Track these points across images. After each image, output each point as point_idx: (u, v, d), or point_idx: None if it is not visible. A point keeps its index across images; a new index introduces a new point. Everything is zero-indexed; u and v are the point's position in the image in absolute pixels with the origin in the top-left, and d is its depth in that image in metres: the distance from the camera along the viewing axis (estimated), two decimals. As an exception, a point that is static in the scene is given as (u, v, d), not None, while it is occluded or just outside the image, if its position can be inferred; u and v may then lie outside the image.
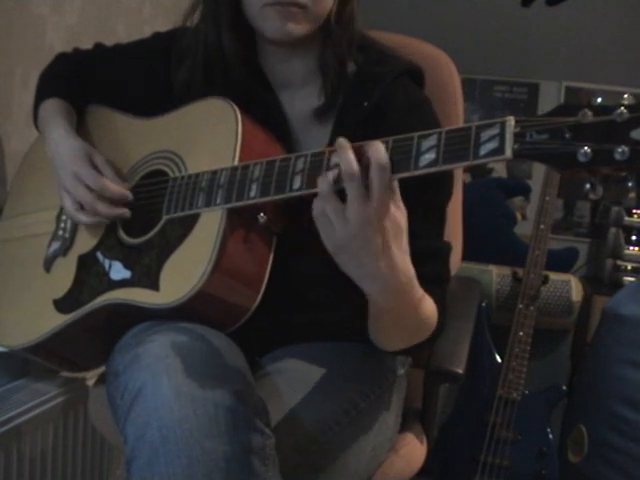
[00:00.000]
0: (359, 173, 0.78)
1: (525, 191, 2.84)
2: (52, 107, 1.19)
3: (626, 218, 2.56)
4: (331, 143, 1.05)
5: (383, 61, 1.10)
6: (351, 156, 0.79)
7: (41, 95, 1.23)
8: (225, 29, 1.08)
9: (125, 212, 1.07)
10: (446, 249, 1.07)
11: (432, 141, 0.80)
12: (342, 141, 0.81)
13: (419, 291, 0.91)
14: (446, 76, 1.38)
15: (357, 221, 0.79)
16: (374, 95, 1.06)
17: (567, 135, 0.71)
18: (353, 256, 0.82)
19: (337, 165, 0.82)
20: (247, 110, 1.03)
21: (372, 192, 0.78)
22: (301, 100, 1.11)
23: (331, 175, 0.81)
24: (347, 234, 0.80)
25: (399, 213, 0.82)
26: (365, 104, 1.06)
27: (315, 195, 0.88)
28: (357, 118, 1.06)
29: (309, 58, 1.10)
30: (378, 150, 0.79)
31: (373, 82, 1.07)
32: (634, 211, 2.56)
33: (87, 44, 1.29)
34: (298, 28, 1.02)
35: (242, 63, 1.10)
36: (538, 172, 2.79)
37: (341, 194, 0.81)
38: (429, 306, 0.97)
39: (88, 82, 1.24)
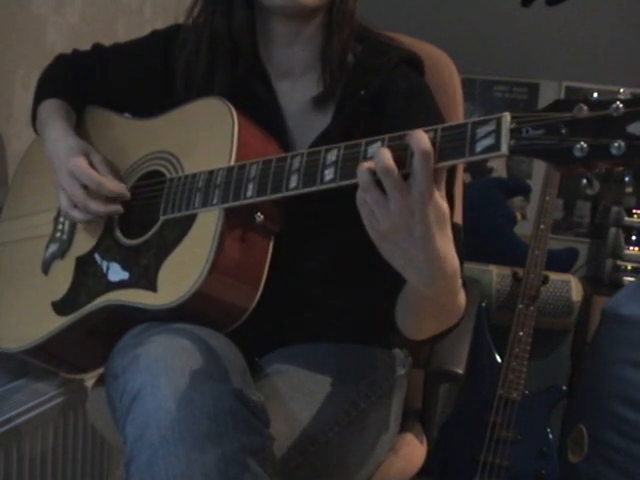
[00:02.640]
0: (394, 168, 0.76)
1: (525, 191, 2.84)
2: (51, 108, 1.19)
3: (626, 218, 2.56)
4: (329, 132, 1.05)
5: (382, 51, 1.10)
6: (385, 151, 0.77)
7: (40, 96, 1.23)
8: (238, 7, 1.06)
9: (117, 209, 1.06)
10: (456, 231, 1.06)
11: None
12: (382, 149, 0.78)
13: (460, 280, 0.89)
14: (446, 76, 1.38)
15: (399, 212, 0.76)
16: (373, 84, 1.06)
17: (563, 130, 0.71)
18: (397, 246, 0.79)
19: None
20: (243, 104, 1.03)
21: (415, 181, 0.75)
22: (300, 90, 1.11)
23: (367, 165, 0.78)
24: (390, 225, 0.78)
25: (443, 201, 0.79)
26: (362, 92, 1.06)
27: (312, 194, 0.88)
28: (356, 107, 1.06)
29: (311, 46, 1.09)
30: (421, 139, 0.75)
31: (372, 71, 1.07)
32: (634, 211, 2.56)
33: (88, 45, 1.29)
34: None
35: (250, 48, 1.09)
36: (538, 172, 2.79)
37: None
38: (464, 295, 0.95)
39: (87, 83, 1.24)
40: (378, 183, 0.77)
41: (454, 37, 2.14)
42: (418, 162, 0.75)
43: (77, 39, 1.54)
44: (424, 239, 0.78)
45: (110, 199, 1.06)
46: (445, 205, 0.79)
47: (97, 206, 1.05)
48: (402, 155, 0.77)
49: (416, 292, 0.88)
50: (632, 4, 2.55)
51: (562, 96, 2.83)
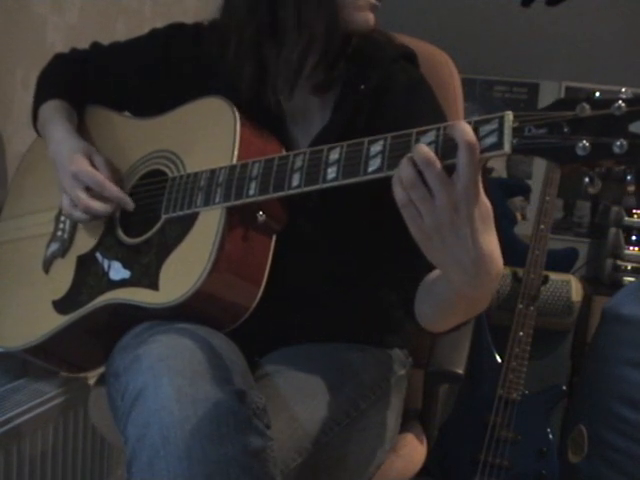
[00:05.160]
0: (435, 159, 0.74)
1: (525, 191, 2.84)
2: (52, 108, 1.19)
3: (626, 218, 2.57)
4: (330, 128, 1.05)
5: (378, 47, 1.10)
6: (423, 145, 0.75)
7: (40, 97, 1.22)
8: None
9: (124, 201, 1.06)
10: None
11: (430, 137, 0.79)
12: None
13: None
14: (446, 76, 1.38)
15: (444, 208, 0.74)
16: (372, 79, 1.07)
17: (566, 129, 0.71)
18: (442, 246, 0.76)
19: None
20: (243, 101, 1.03)
21: (459, 175, 0.73)
22: (300, 87, 1.10)
23: (408, 157, 0.75)
24: (435, 223, 0.75)
25: (485, 198, 0.76)
26: (362, 87, 1.06)
27: (314, 193, 0.88)
28: (356, 102, 1.06)
29: None
30: (466, 130, 0.73)
31: (370, 67, 1.07)
32: (634, 211, 2.56)
33: (88, 44, 1.29)
34: (374, 20, 1.04)
35: None
36: (538, 172, 2.80)
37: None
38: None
39: (87, 82, 1.23)
40: (423, 179, 0.75)
41: (454, 37, 2.14)
42: (463, 154, 0.73)
43: (77, 39, 1.53)
44: (470, 237, 0.75)
45: (112, 201, 1.06)
46: (488, 202, 0.76)
47: (99, 206, 1.05)
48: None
49: (456, 291, 0.85)
50: (632, 4, 2.55)
51: (562, 96, 2.83)
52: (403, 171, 0.75)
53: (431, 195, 0.74)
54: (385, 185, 0.84)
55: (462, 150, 0.73)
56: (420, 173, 0.75)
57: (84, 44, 1.30)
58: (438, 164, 0.74)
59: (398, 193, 0.76)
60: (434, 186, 0.74)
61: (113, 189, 1.06)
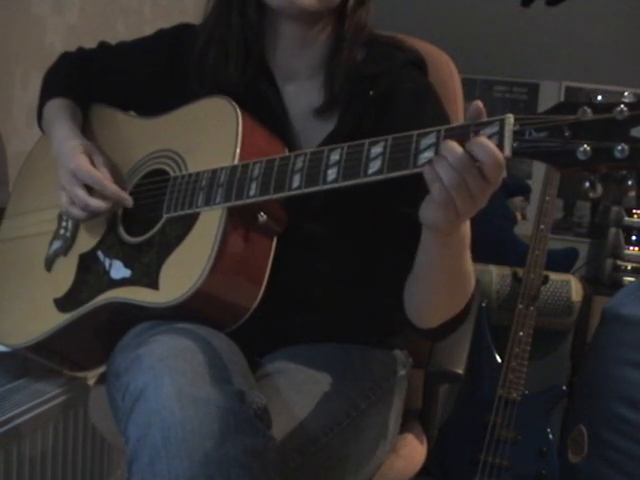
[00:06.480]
0: (471, 161, 0.76)
1: (525, 191, 2.84)
2: (57, 107, 1.19)
3: (626, 218, 2.57)
4: (335, 135, 1.05)
5: (386, 55, 1.10)
6: (488, 143, 0.76)
7: (45, 95, 1.23)
8: (251, 8, 1.06)
9: (122, 198, 1.06)
10: None
11: (431, 139, 0.79)
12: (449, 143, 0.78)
13: (468, 244, 0.91)
14: (446, 76, 1.38)
15: (482, 199, 0.79)
16: (380, 85, 1.06)
17: (567, 133, 0.71)
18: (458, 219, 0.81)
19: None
20: (250, 105, 1.03)
21: (490, 181, 0.77)
22: (306, 94, 1.10)
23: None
24: (469, 209, 0.79)
25: None
26: (371, 93, 1.06)
27: (315, 194, 0.87)
28: (363, 108, 1.06)
29: (319, 52, 1.09)
30: (491, 151, 0.75)
31: (379, 74, 1.07)
32: (634, 211, 2.56)
33: (87, 44, 1.29)
34: (306, 1, 1.00)
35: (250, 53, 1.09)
36: (538, 172, 2.80)
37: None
38: (470, 259, 0.95)
39: (92, 81, 1.24)
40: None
41: (454, 37, 2.14)
42: (492, 171, 0.76)
43: (76, 39, 1.53)
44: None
45: (110, 200, 1.06)
46: None
47: (97, 203, 1.06)
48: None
49: (436, 239, 0.87)
50: (632, 4, 2.55)
51: (562, 96, 2.84)
52: (462, 169, 0.76)
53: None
54: (387, 188, 0.84)
55: (492, 169, 0.75)
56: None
57: (84, 44, 1.30)
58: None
59: (440, 191, 0.78)
60: (495, 179, 0.77)
61: (112, 187, 1.06)
